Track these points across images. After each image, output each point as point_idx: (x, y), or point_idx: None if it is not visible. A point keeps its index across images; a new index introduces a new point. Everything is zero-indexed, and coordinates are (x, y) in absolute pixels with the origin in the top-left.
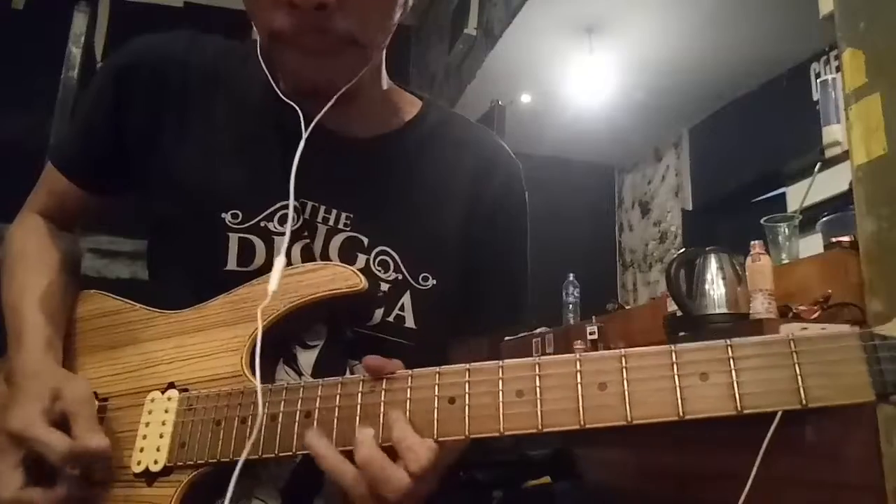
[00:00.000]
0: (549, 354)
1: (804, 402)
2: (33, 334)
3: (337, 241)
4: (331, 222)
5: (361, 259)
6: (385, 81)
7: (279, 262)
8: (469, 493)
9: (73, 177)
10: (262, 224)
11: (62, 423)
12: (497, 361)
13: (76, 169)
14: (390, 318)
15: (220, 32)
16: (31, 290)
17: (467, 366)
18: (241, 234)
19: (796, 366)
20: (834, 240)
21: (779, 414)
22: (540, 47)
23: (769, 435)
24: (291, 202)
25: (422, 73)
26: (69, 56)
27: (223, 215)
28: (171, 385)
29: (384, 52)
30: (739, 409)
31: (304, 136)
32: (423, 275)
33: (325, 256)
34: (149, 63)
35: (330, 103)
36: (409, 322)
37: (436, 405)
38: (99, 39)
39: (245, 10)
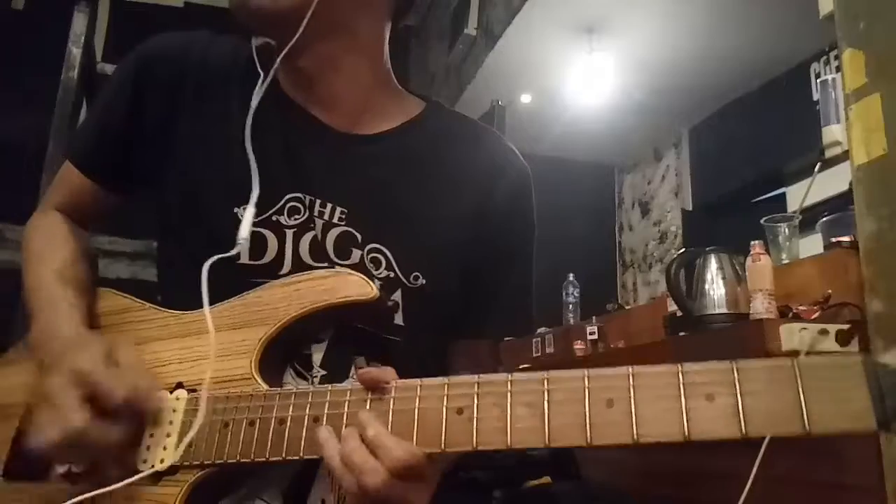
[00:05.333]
0: (549, 354)
1: (807, 428)
2: (68, 308)
3: (332, 235)
4: (326, 216)
5: (356, 254)
6: (389, 82)
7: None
8: (469, 493)
9: (89, 172)
10: (274, 218)
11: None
12: (506, 374)
13: (92, 164)
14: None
15: (220, 32)
16: (60, 275)
17: (476, 378)
18: (254, 228)
19: (801, 391)
20: (834, 240)
21: (767, 438)
22: (540, 47)
23: (765, 441)
24: (254, 166)
25: (422, 73)
26: (69, 56)
27: (235, 210)
28: (180, 385)
29: (387, 53)
30: (744, 432)
31: (260, 93)
32: (414, 274)
33: (322, 250)
34: (168, 59)
35: (299, 32)
36: (398, 319)
37: (444, 416)
38: (99, 39)
39: None
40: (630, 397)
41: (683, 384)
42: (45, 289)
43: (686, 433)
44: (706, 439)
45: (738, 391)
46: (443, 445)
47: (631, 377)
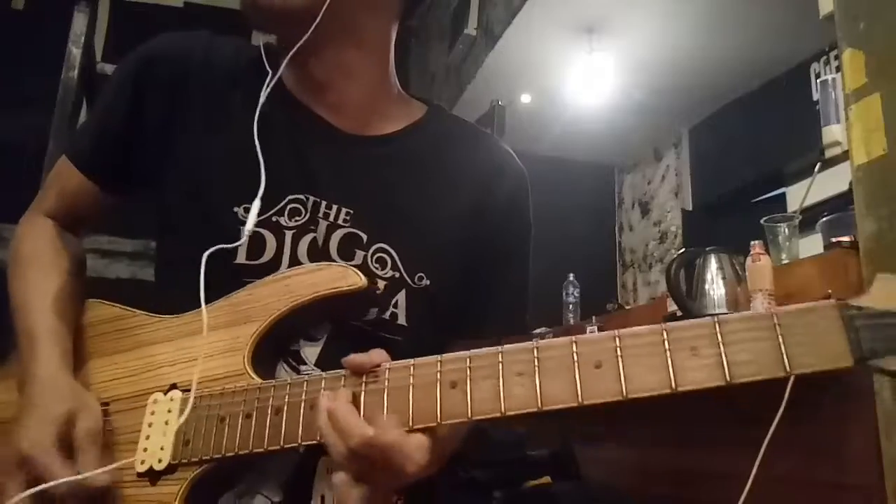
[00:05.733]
0: None
1: (788, 369)
2: (49, 341)
3: (336, 236)
4: (331, 218)
5: (359, 255)
6: (393, 85)
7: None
8: (469, 493)
9: (89, 172)
10: (274, 219)
11: (70, 446)
12: (496, 347)
13: (92, 164)
14: (385, 315)
15: (220, 32)
16: (45, 296)
17: (468, 353)
18: (254, 228)
19: (780, 337)
20: (834, 240)
21: (790, 380)
22: (540, 47)
23: (772, 430)
24: (262, 165)
25: (422, 73)
26: (69, 56)
27: (236, 209)
28: (174, 386)
29: (392, 55)
30: (728, 379)
31: (267, 90)
32: (418, 274)
33: (325, 251)
34: (169, 59)
35: (309, 32)
36: (402, 319)
37: (438, 390)
38: (99, 39)
39: None
40: (617, 357)
41: (668, 340)
42: (28, 318)
43: (673, 385)
44: (693, 389)
45: (720, 342)
46: (438, 418)
47: (617, 339)
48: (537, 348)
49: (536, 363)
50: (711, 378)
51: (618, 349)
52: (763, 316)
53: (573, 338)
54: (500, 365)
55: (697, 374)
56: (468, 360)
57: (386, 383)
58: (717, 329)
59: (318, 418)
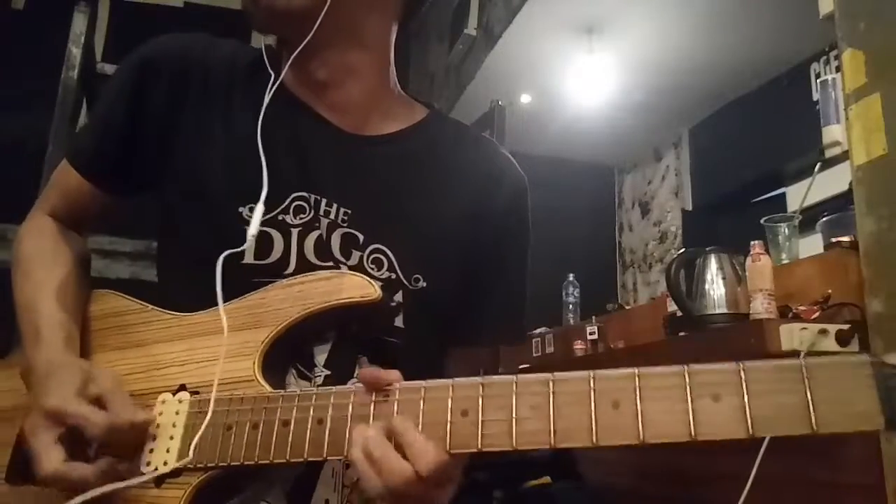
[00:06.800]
0: (549, 354)
1: (815, 428)
2: (52, 331)
3: (336, 235)
4: (331, 216)
5: (356, 256)
6: (394, 86)
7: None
8: (469, 493)
9: (88, 174)
10: (280, 217)
11: (97, 404)
12: (511, 376)
13: (91, 166)
14: None
15: (219, 32)
16: (48, 288)
17: (481, 379)
18: (260, 228)
19: (808, 392)
20: (834, 240)
21: (766, 440)
22: (540, 47)
23: (765, 441)
24: (265, 168)
25: (422, 73)
26: (69, 56)
27: (241, 209)
28: (183, 387)
29: (392, 56)
30: (751, 432)
31: (271, 91)
32: (415, 276)
33: (327, 249)
34: (171, 59)
35: (311, 32)
36: (398, 321)
37: (449, 417)
38: (99, 39)
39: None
40: (636, 398)
41: (689, 385)
42: (31, 310)
43: (692, 433)
44: (713, 439)
45: (744, 391)
46: (448, 447)
47: (637, 378)
48: (553, 381)
49: (552, 397)
50: (733, 430)
51: (637, 389)
52: (792, 366)
53: (591, 372)
54: (514, 396)
55: (719, 425)
56: (481, 387)
57: (396, 406)
58: (743, 377)
59: (351, 452)
